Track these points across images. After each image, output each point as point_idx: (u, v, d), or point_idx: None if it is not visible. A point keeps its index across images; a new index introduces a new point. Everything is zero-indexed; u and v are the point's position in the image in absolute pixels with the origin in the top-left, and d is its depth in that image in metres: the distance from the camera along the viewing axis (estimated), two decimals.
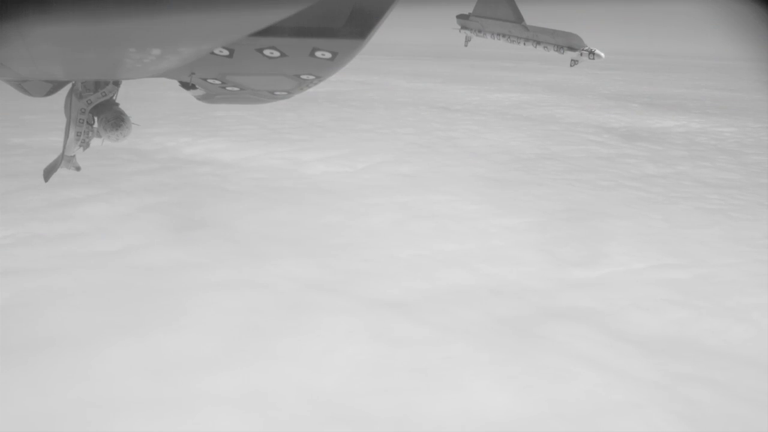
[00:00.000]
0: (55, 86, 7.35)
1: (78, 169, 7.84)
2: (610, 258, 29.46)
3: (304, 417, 17.09)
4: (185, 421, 16.78)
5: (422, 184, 38.79)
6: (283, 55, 5.20)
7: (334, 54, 5.21)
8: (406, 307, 23.76)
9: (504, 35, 22.17)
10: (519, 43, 21.82)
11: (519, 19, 21.65)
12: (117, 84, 6.99)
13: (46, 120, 42.32)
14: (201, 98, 6.94)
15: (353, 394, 18.39)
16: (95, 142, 7.29)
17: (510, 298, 25.12)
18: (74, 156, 7.59)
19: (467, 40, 23.42)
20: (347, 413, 17.55)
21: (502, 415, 17.99)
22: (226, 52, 5.17)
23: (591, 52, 21.04)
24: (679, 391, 19.76)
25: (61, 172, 7.82)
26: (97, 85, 6.88)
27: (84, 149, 7.34)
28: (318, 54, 5.18)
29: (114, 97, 7.05)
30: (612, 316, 24.14)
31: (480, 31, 22.76)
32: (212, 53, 5.09)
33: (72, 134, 7.11)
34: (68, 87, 7.15)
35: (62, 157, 7.56)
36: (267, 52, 5.14)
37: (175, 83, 6.40)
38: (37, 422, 16.44)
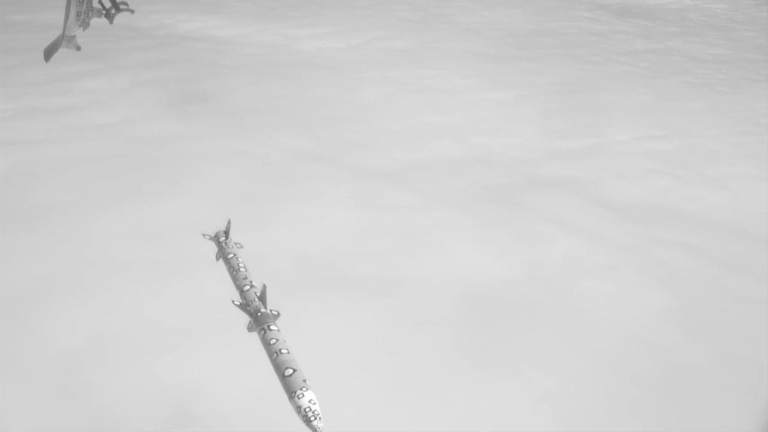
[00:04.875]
0: None
1: (78, 48, 7.99)
2: (595, 129, 29.95)
3: (289, 274, 17.76)
4: (180, 281, 17.39)
5: (414, 59, 38.90)
6: None
7: None
8: (394, 176, 24.38)
9: None
10: None
11: None
12: None
13: None
14: None
15: (340, 254, 19.17)
16: (95, 21, 7.47)
17: (496, 168, 25.73)
18: (74, 36, 7.80)
19: None
20: (333, 273, 18.33)
21: (483, 277, 18.83)
22: None
23: None
24: (655, 254, 20.61)
25: (61, 50, 8.07)
26: None
27: (84, 29, 7.50)
28: None
29: None
30: (594, 185, 24.82)
31: None
32: None
33: (72, 14, 7.27)
34: None
35: (63, 37, 7.72)
36: None
37: None
38: (37, 283, 17.10)
